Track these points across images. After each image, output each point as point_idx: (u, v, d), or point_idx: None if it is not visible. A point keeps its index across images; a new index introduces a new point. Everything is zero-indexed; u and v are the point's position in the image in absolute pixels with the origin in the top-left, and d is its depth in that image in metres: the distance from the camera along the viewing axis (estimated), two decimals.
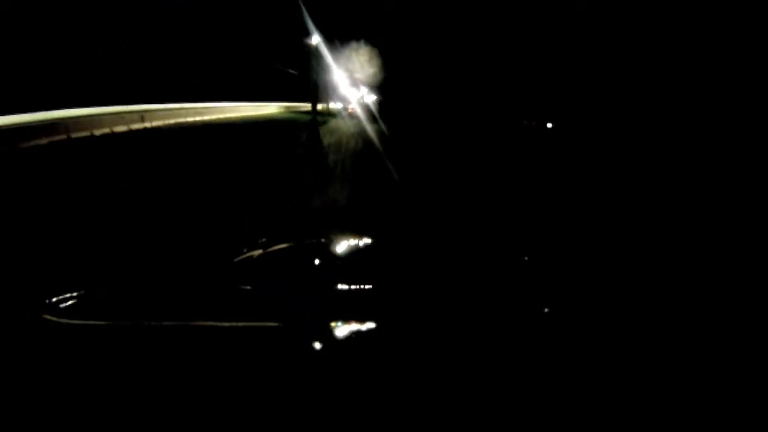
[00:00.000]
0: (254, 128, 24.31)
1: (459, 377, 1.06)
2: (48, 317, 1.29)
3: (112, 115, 19.71)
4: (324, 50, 29.49)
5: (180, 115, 24.25)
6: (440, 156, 14.28)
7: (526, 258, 2.10)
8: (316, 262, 2.09)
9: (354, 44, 33.24)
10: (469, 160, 13.39)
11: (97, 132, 17.57)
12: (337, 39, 30.65)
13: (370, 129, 22.86)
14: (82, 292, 1.43)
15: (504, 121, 22.91)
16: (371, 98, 38.13)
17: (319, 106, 41.62)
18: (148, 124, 21.08)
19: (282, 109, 46.06)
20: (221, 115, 29.50)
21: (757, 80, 14.69)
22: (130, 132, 19.14)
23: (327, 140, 19.36)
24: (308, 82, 35.18)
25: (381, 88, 35.01)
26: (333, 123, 30.46)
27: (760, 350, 1.19)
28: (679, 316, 1.35)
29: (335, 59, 31.81)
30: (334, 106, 43.96)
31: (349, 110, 37.46)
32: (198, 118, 25.87)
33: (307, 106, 37.47)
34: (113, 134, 18.14)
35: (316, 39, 28.70)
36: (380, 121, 24.45)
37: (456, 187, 8.81)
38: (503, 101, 24.30)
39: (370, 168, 11.69)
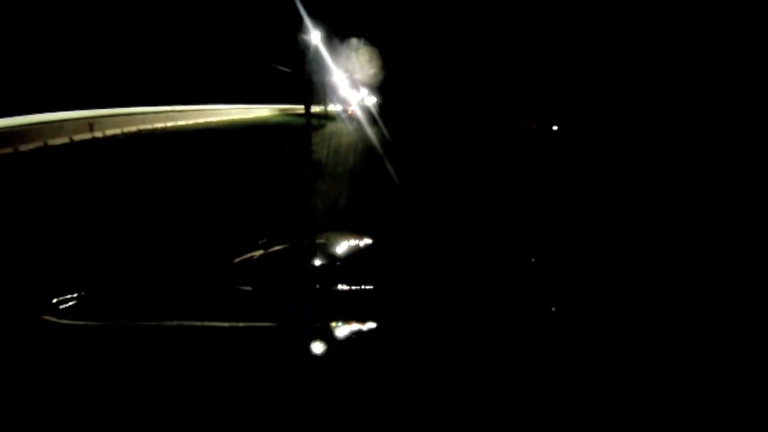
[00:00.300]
0: (233, 135, 20.14)
1: (461, 379, 0.95)
2: (47, 317, 1.23)
3: (52, 124, 15.63)
4: (322, 49, 27.26)
5: (145, 121, 20.12)
6: (444, 157, 13.72)
7: (533, 259, 1.98)
8: (316, 262, 2.03)
9: (354, 44, 31.02)
10: (473, 160, 13.01)
11: (25, 147, 13.50)
12: (337, 38, 29.08)
13: (373, 136, 18.69)
14: (82, 292, 1.38)
15: (504, 122, 22.38)
16: (372, 100, 35.91)
17: (317, 108, 38.35)
18: (99, 134, 16.98)
19: (276, 112, 42.27)
20: (200, 120, 25.39)
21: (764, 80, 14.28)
22: (71, 144, 15.06)
23: (321, 151, 15.15)
24: (303, 81, 32.12)
25: (382, 89, 33.07)
26: (331, 127, 26.30)
27: (763, 351, 1.07)
28: (688, 318, 1.22)
29: (335, 59, 29.63)
30: (334, 108, 41.41)
31: (349, 112, 34.77)
32: (170, 124, 21.76)
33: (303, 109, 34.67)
34: (47, 148, 14.08)
35: (314, 36, 26.05)
36: (381, 125, 22.31)
37: (460, 188, 8.57)
38: (505, 102, 23.79)
39: (378, 201, 7.83)
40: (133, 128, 19.08)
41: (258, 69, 37.41)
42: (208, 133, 20.31)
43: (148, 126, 20.01)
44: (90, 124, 16.83)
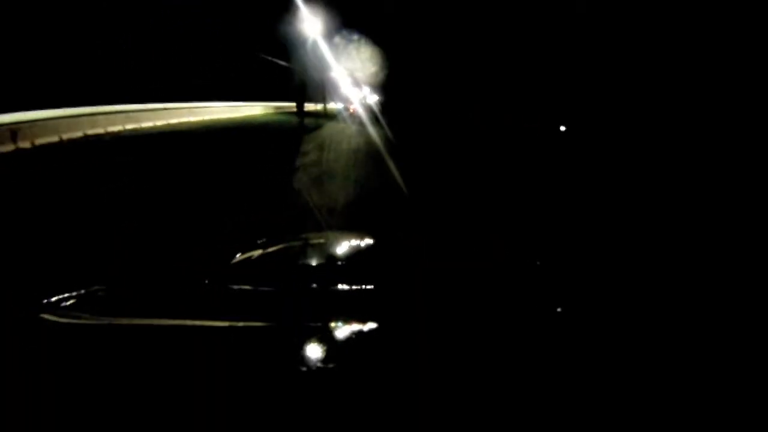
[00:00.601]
0: (201, 141, 16.09)
1: (463, 380, 0.92)
2: (47, 317, 1.17)
3: None
4: (321, 43, 25.11)
5: (96, 124, 16.20)
6: (445, 157, 13.10)
7: (537, 261, 1.93)
8: (316, 261, 2.02)
9: (356, 42, 29.64)
10: (474, 160, 12.73)
11: None
12: (338, 36, 28.11)
13: (379, 141, 14.75)
14: (82, 291, 1.34)
15: (504, 122, 21.47)
16: (374, 98, 35.12)
17: (317, 107, 35.09)
18: (26, 144, 13.11)
19: (270, 110, 38.59)
20: (173, 120, 21.46)
21: None
22: None
23: (310, 166, 11.13)
24: (297, 76, 29.25)
25: (384, 87, 31.71)
26: (329, 128, 22.39)
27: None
28: (700, 319, 1.16)
29: (336, 56, 28.23)
30: (335, 106, 38.49)
31: (351, 110, 32.41)
32: (130, 127, 17.84)
33: (306, 106, 32.73)
34: None
35: (312, 29, 23.56)
36: (385, 126, 20.45)
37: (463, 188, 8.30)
38: (505, 102, 23.05)
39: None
40: (78, 134, 15.19)
41: (256, 66, 35.95)
42: (170, 138, 16.27)
43: (99, 130, 16.09)
44: (12, 131, 12.96)
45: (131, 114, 18.26)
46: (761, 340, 1.04)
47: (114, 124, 17.03)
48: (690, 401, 0.84)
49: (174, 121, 21.44)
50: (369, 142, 15.35)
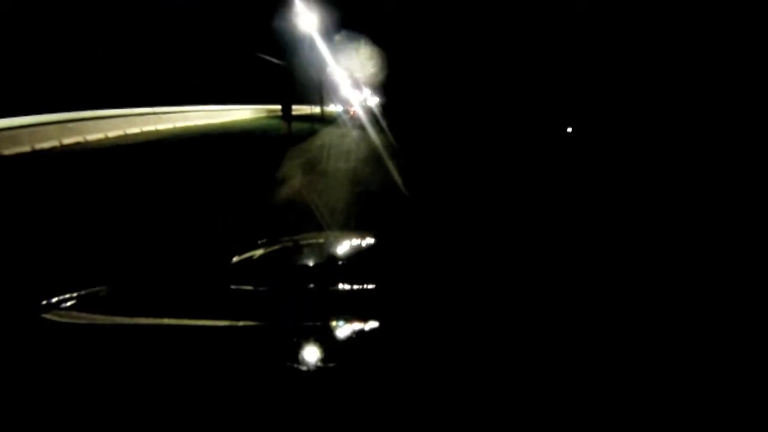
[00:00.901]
0: (148, 157, 12.23)
1: (466, 381, 0.90)
2: (48, 317, 1.16)
3: None
4: (319, 40, 23.60)
5: (17, 141, 12.43)
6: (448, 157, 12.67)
7: (542, 259, 1.88)
8: (317, 261, 2.01)
9: (355, 42, 29.03)
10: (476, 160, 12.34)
11: None
12: (338, 36, 27.93)
13: (390, 163, 11.04)
14: (82, 292, 1.34)
15: (505, 123, 21.48)
16: (375, 100, 34.35)
17: (313, 109, 31.88)
18: None
19: (262, 113, 35.25)
20: (132, 130, 17.66)
21: None
22: None
23: (293, 196, 7.25)
24: (288, 75, 26.38)
25: (384, 89, 31.03)
26: (325, 135, 18.67)
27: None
28: (697, 320, 1.14)
29: (335, 57, 27.48)
30: (333, 108, 37.85)
31: (351, 113, 30.71)
32: (69, 141, 14.04)
33: (302, 108, 31.27)
34: None
35: (308, 24, 21.99)
36: (387, 130, 18.78)
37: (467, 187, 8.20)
38: (505, 102, 23.23)
39: None
40: (7, 152, 11.48)
41: (256, 67, 34.46)
42: (97, 156, 12.34)
43: (24, 148, 12.31)
44: None
45: (70, 125, 14.44)
46: (763, 339, 1.02)
47: (48, 138, 13.24)
48: (696, 400, 0.82)
49: (134, 130, 17.64)
50: (377, 156, 11.58)
